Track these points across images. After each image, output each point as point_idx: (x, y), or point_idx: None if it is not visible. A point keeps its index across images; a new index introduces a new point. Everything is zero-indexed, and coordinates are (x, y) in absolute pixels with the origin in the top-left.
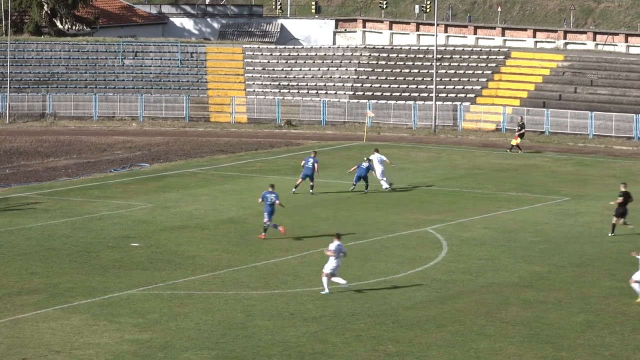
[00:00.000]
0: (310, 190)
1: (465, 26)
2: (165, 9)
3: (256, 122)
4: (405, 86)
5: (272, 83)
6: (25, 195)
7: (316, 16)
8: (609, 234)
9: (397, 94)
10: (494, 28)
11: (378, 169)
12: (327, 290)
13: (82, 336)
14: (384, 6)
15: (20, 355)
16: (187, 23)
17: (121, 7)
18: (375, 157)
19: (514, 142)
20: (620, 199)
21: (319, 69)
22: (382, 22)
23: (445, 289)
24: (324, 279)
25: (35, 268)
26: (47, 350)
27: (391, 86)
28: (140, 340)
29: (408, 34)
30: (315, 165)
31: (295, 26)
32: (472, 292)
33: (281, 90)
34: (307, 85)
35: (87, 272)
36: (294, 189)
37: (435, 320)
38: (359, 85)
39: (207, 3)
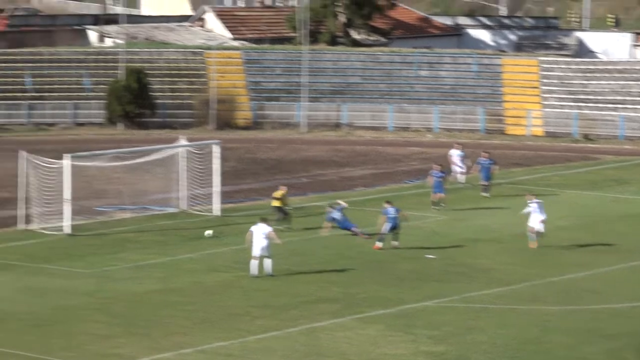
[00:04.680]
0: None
1: None
2: (462, 20)
3: (552, 136)
4: None
5: (569, 96)
6: (321, 204)
7: (614, 29)
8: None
9: None
10: None
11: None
12: None
13: (378, 346)
14: None
15: None
16: (483, 34)
17: (418, 18)
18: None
19: None
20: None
21: (617, 83)
22: None
23: None
24: None
25: (333, 277)
26: (343, 359)
27: None
28: (435, 352)
29: None
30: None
31: (592, 39)
32: None
33: (578, 104)
34: (604, 99)
35: (382, 283)
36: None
37: None
38: None
39: (503, 15)
